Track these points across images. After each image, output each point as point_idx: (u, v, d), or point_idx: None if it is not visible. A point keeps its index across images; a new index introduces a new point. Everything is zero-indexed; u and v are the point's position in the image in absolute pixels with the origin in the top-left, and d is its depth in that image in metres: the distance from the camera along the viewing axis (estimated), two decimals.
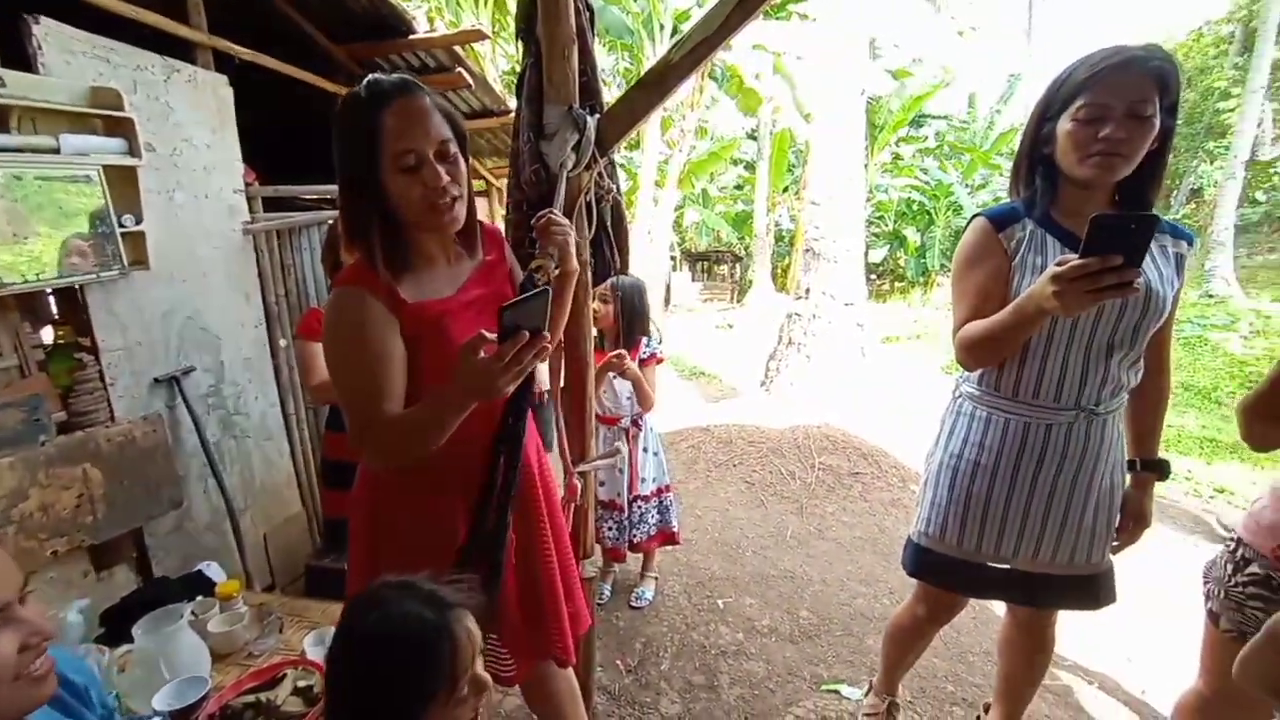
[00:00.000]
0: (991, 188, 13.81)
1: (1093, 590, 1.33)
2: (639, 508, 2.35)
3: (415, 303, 0.99)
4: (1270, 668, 1.02)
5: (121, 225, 1.79)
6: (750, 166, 14.76)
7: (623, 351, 2.14)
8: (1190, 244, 1.22)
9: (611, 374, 2.22)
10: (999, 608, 2.16)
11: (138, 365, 1.96)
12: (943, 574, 1.42)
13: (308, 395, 2.56)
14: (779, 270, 15.21)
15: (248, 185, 2.39)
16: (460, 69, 3.11)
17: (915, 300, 12.65)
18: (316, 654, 1.42)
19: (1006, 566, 1.34)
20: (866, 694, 1.83)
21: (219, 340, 2.25)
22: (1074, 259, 0.94)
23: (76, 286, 1.76)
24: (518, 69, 1.50)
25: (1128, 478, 1.33)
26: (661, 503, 2.42)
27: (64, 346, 1.82)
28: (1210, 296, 8.83)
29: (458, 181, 0.98)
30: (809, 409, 4.24)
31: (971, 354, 1.23)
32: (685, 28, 7.87)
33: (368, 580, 1.09)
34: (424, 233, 1.02)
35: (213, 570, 1.88)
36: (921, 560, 1.43)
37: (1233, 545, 1.18)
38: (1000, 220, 1.22)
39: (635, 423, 2.33)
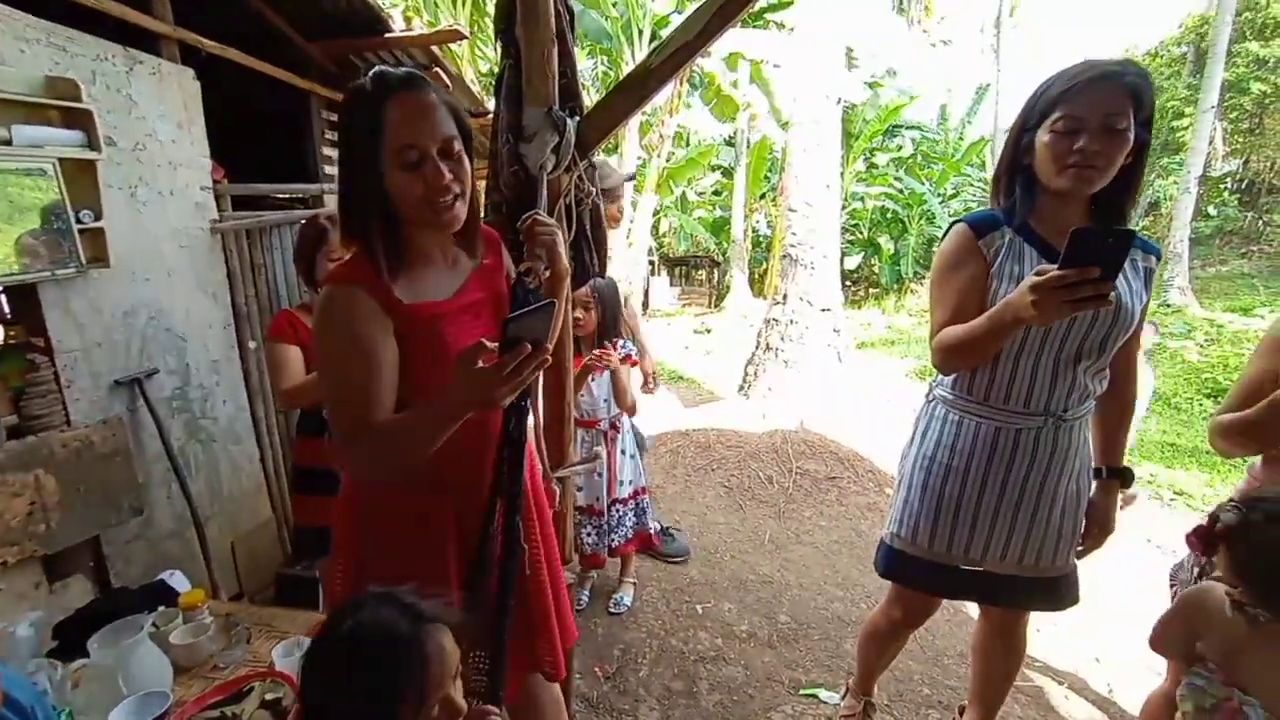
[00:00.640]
0: (963, 197, 14.17)
1: (1057, 592, 1.36)
2: (616, 511, 2.34)
3: (411, 304, 0.96)
4: (1180, 636, 1.12)
5: (79, 221, 1.72)
6: (728, 173, 14.90)
7: (604, 350, 2.12)
8: (1158, 258, 1.26)
9: (591, 376, 2.21)
10: (972, 610, 2.20)
11: (96, 367, 1.88)
12: (915, 575, 1.44)
13: (278, 399, 2.50)
14: (756, 275, 15.36)
15: (216, 183, 2.32)
16: (437, 69, 3.08)
17: (889, 307, 12.89)
18: (285, 665, 1.37)
19: (976, 568, 1.36)
20: (844, 697, 1.84)
21: (184, 342, 2.18)
22: (1053, 269, 0.96)
23: (29, 284, 1.68)
24: (496, 70, 1.48)
25: (1093, 484, 1.36)
26: (638, 505, 2.41)
27: (15, 347, 1.74)
28: (1168, 306, 9.17)
29: (460, 180, 0.95)
30: (787, 414, 4.27)
31: (948, 358, 1.25)
32: (664, 34, 7.92)
33: (352, 593, 1.06)
34: (423, 231, 0.99)
35: (176, 580, 1.81)
36: (894, 562, 1.45)
37: None
38: (981, 227, 1.24)
39: (614, 425, 2.32)
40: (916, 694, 1.98)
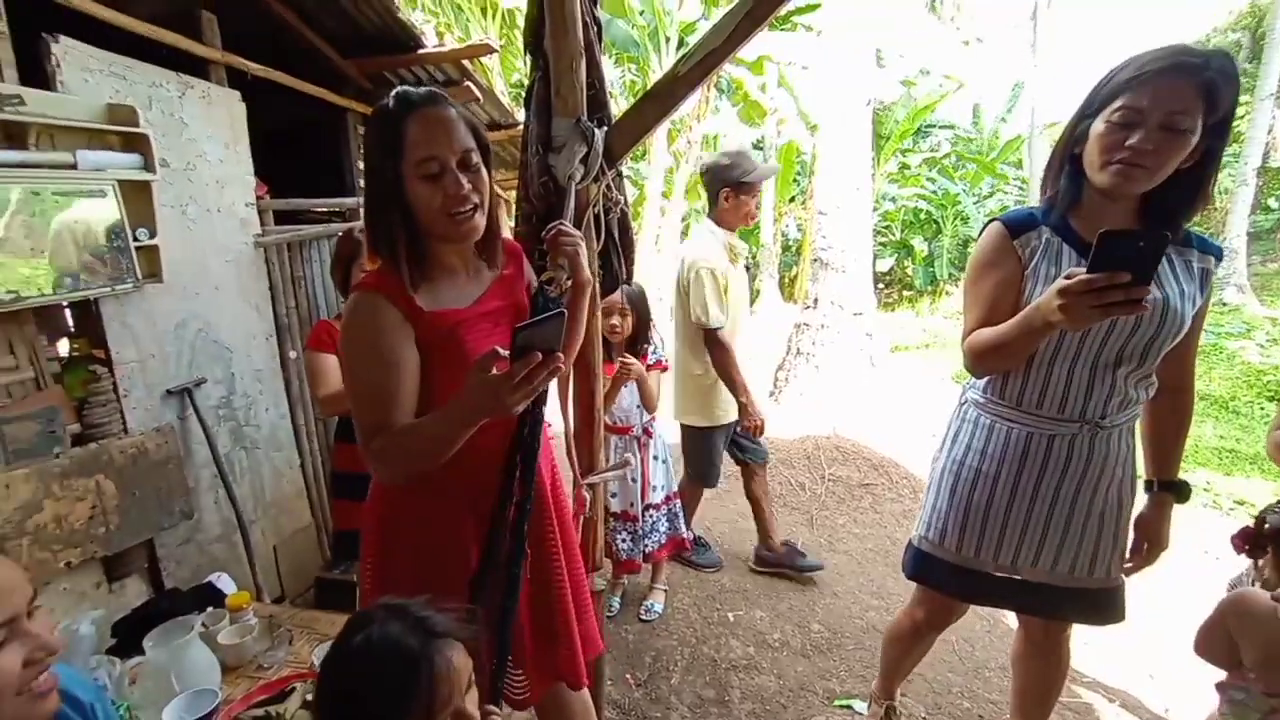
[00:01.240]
0: (998, 196, 13.78)
1: (1096, 605, 1.31)
2: (650, 516, 2.34)
3: (432, 311, 0.99)
4: (1223, 641, 1.07)
5: (136, 239, 1.81)
6: None
7: (626, 360, 2.13)
8: (1218, 259, 1.18)
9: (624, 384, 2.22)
10: (1013, 621, 2.12)
11: (150, 377, 1.98)
12: (942, 579, 1.41)
13: (317, 407, 2.58)
14: (786, 280, 15.20)
15: (259, 199, 2.42)
16: (468, 82, 3.15)
17: (924, 309, 12.59)
18: None
19: (1007, 575, 1.32)
20: (870, 704, 1.81)
21: (230, 352, 2.27)
22: (1081, 273, 0.92)
23: (91, 299, 1.78)
24: (526, 82, 1.51)
25: (1142, 495, 1.31)
26: (671, 510, 2.41)
27: (79, 359, 1.84)
28: (1224, 305, 8.73)
29: (479, 191, 0.98)
30: (818, 419, 4.21)
31: (979, 361, 1.22)
32: (691, 40, 7.94)
33: (379, 594, 1.09)
34: (444, 242, 1.02)
35: (223, 582, 1.88)
36: (921, 564, 1.43)
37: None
38: (1016, 226, 1.20)
39: (647, 431, 2.32)
40: (956, 707, 1.92)
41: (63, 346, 1.92)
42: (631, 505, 2.32)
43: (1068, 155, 1.16)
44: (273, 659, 1.48)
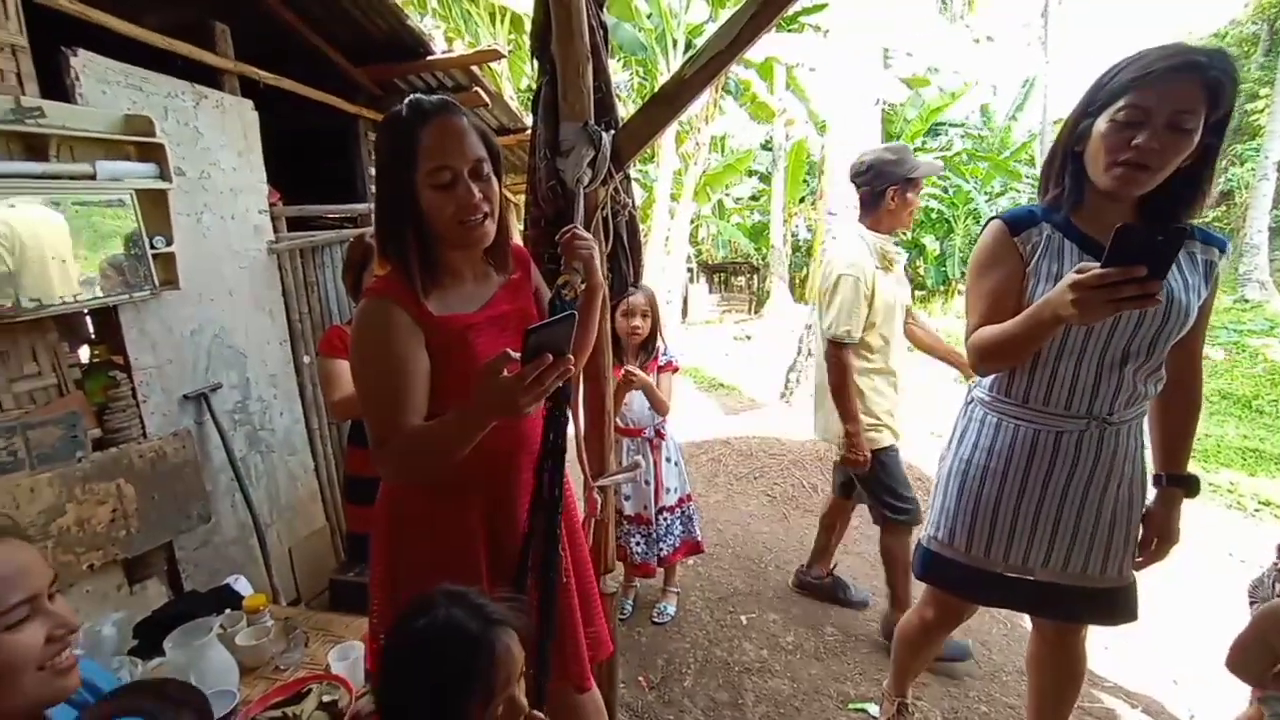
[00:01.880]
0: (1011, 194, 13.65)
1: (1108, 605, 1.29)
2: (664, 519, 2.34)
3: (441, 316, 1.01)
4: (1259, 656, 1.04)
5: (153, 246, 1.84)
6: (766, 178, 14.79)
7: (629, 368, 2.14)
8: (1222, 251, 1.17)
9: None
10: (1029, 623, 2.10)
11: (168, 383, 2.01)
12: (952, 579, 1.40)
13: (330, 411, 2.61)
14: (797, 281, 15.14)
15: (272, 205, 2.45)
16: (477, 88, 3.17)
17: (936, 309, 12.49)
18: (341, 668, 1.43)
19: (1018, 575, 1.31)
20: (881, 703, 1.80)
21: (245, 357, 2.30)
22: (1095, 267, 0.91)
23: (110, 307, 1.81)
24: (534, 86, 1.52)
25: (1151, 491, 1.29)
26: (685, 513, 2.41)
27: (99, 365, 1.88)
28: (1245, 301, 8.57)
29: (489, 199, 1.00)
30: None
31: (985, 359, 1.21)
32: (699, 42, 7.95)
33: (388, 596, 1.10)
34: (454, 248, 1.03)
35: (240, 584, 1.90)
36: (931, 565, 1.42)
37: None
38: (1016, 224, 1.20)
39: (659, 433, 2.32)
40: (974, 711, 1.89)
41: (83, 353, 1.95)
42: (645, 508, 2.32)
43: (1069, 154, 1.15)
44: (289, 660, 1.50)
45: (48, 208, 1.57)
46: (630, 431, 2.29)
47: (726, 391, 6.79)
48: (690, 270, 15.57)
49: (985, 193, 13.21)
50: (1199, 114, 1.00)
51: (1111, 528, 1.24)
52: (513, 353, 0.85)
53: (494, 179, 1.01)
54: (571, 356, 0.87)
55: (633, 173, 1.58)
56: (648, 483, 2.30)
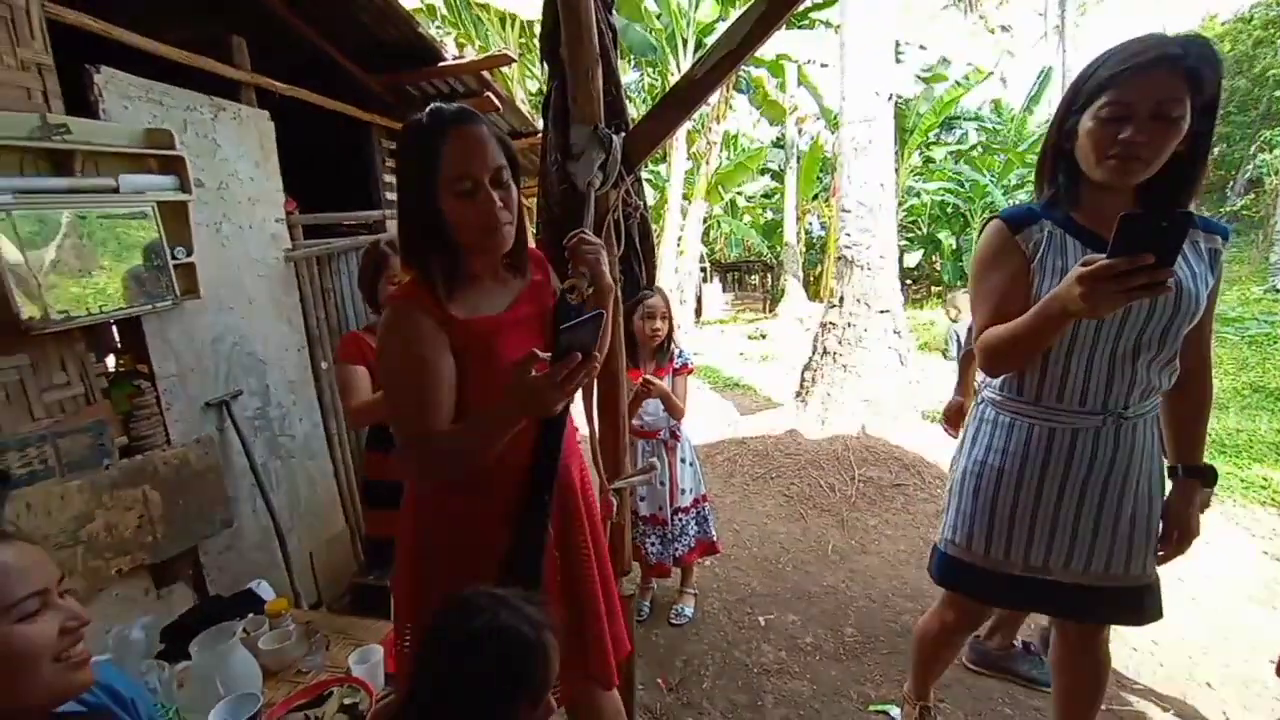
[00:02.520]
0: (1029, 187, 13.44)
1: (1132, 604, 1.27)
2: (679, 520, 2.34)
3: (465, 319, 1.02)
4: None
5: (174, 257, 1.88)
6: (778, 175, 14.71)
7: (646, 376, 2.14)
8: (1225, 238, 1.17)
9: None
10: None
11: (190, 390, 2.05)
12: (971, 583, 1.38)
13: (347, 418, 2.64)
14: (811, 278, 15.04)
15: (289, 214, 2.49)
16: (488, 93, 3.19)
17: None
18: (361, 671, 1.44)
19: (1040, 576, 1.28)
20: (903, 706, 1.77)
21: (264, 364, 2.34)
22: (1101, 259, 0.90)
23: (134, 316, 1.85)
24: (545, 89, 1.53)
25: (1168, 485, 1.27)
26: (699, 513, 2.40)
27: (124, 374, 1.92)
28: (1276, 291, 8.33)
29: (509, 207, 1.02)
30: (847, 419, 4.15)
31: (995, 359, 1.19)
32: (709, 41, 7.92)
33: (415, 600, 1.11)
34: (476, 254, 1.05)
35: (263, 588, 1.93)
36: (949, 569, 1.40)
37: None
38: (1016, 222, 1.18)
39: (674, 434, 2.32)
40: (998, 714, 1.86)
41: (109, 362, 2.00)
42: (660, 509, 2.32)
43: (1060, 153, 1.15)
44: (311, 664, 1.52)
45: (74, 221, 1.61)
46: (645, 433, 2.29)
47: (741, 391, 6.76)
48: (704, 269, 15.54)
49: (1002, 186, 13.01)
50: (1184, 102, 1.01)
51: (1132, 525, 1.22)
52: (540, 353, 0.87)
53: (513, 185, 1.03)
54: (598, 355, 0.88)
55: (645, 173, 1.58)
56: (663, 484, 2.30)
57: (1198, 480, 1.25)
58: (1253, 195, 12.89)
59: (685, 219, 10.07)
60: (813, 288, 14.35)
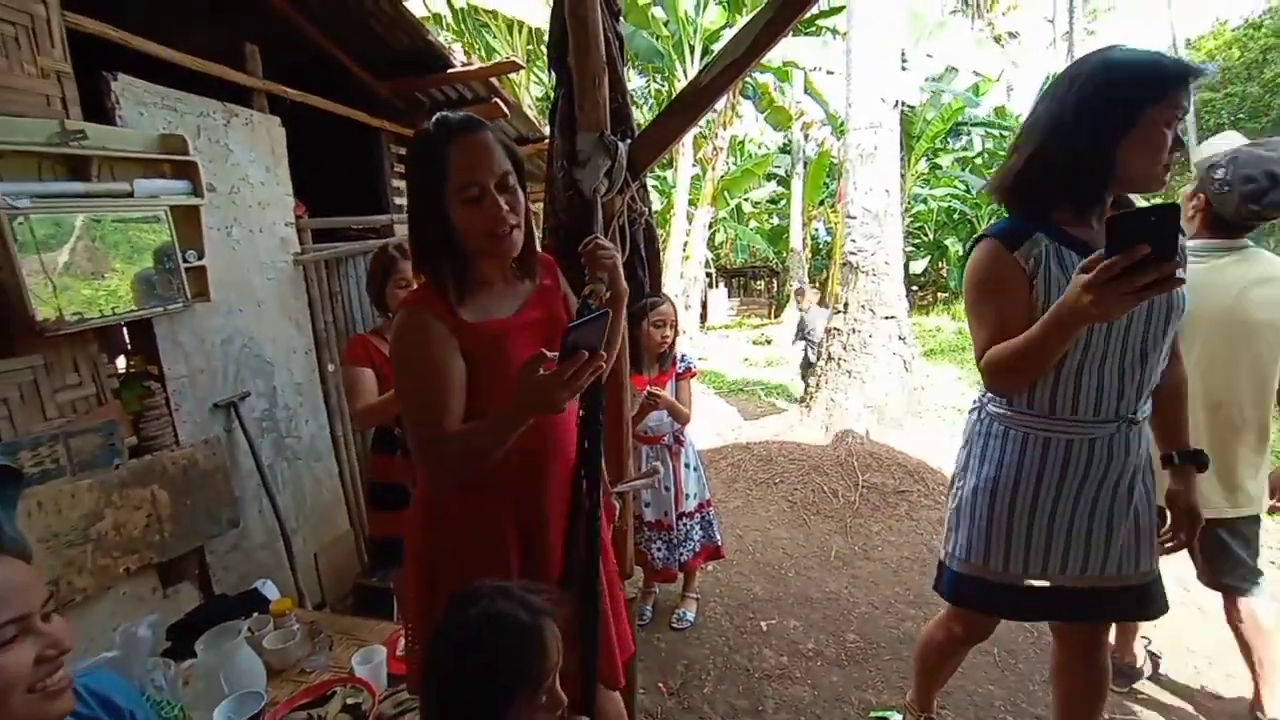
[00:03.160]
0: None
1: (1144, 599, 1.28)
2: (684, 525, 2.34)
3: (475, 323, 1.04)
4: None
5: (186, 260, 1.91)
6: (785, 181, 14.73)
7: (651, 389, 2.16)
8: (1183, 234, 1.20)
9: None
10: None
11: (199, 391, 2.07)
12: (988, 600, 1.36)
13: (353, 419, 2.66)
14: (816, 284, 15.01)
15: (298, 218, 2.52)
16: (496, 99, 3.22)
17: (959, 311, 12.28)
18: (364, 672, 1.45)
19: (1059, 584, 1.28)
20: (904, 715, 1.76)
21: (272, 366, 2.36)
22: (1099, 260, 0.89)
23: (146, 319, 1.88)
24: (551, 95, 1.54)
25: (1163, 476, 1.29)
26: (704, 518, 2.41)
27: (135, 375, 1.95)
28: None
29: (515, 211, 1.03)
30: (851, 425, 4.14)
31: (1003, 376, 1.17)
32: (716, 48, 7.96)
33: (423, 601, 1.13)
34: (485, 258, 1.07)
35: (268, 588, 1.95)
36: (962, 587, 1.37)
37: None
38: (1012, 239, 1.16)
39: (678, 439, 2.33)
40: None
41: (120, 363, 2.02)
42: (665, 514, 2.32)
43: (1095, 164, 1.11)
44: (314, 663, 1.53)
45: (89, 225, 1.64)
46: (650, 439, 2.30)
47: (746, 396, 6.76)
48: (709, 275, 15.56)
49: None
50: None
51: (1137, 522, 1.24)
52: (548, 353, 0.89)
53: (520, 190, 1.05)
54: (604, 353, 0.91)
55: (651, 178, 1.60)
56: (668, 489, 2.31)
57: (1193, 465, 1.27)
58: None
59: (691, 224, 10.09)
60: (819, 293, 14.33)
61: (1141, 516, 1.24)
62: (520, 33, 8.36)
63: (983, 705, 1.92)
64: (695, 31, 8.62)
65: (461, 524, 1.12)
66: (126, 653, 1.42)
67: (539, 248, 1.23)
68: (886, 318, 4.44)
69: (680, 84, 8.26)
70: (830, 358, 4.56)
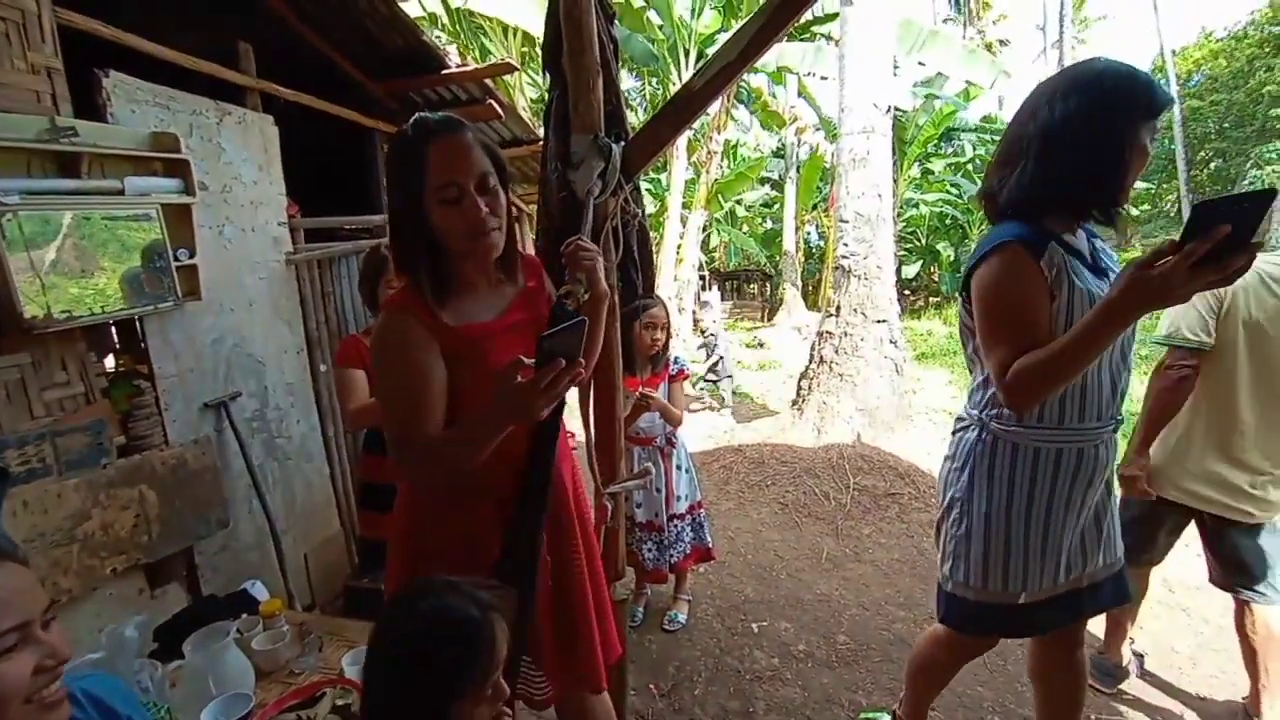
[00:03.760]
0: None
1: (1119, 585, 1.34)
2: (675, 526, 2.35)
3: (456, 326, 1.04)
4: None
5: (177, 259, 1.89)
6: (778, 185, 14.79)
7: (644, 391, 2.16)
8: (1099, 236, 1.26)
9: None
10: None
11: (189, 391, 2.06)
12: (1004, 624, 1.35)
13: (345, 421, 2.65)
14: (810, 287, 15.09)
15: (290, 218, 2.51)
16: (491, 100, 3.23)
17: (951, 316, 12.37)
18: (354, 673, 1.44)
19: (1072, 589, 1.30)
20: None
21: (263, 366, 2.35)
22: (1170, 250, 0.88)
23: (135, 317, 1.87)
24: (546, 97, 1.55)
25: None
26: (695, 519, 2.41)
27: (124, 374, 1.93)
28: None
29: (496, 213, 1.03)
30: (843, 428, 4.16)
31: (1036, 387, 1.10)
32: (710, 52, 7.98)
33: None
34: (465, 260, 1.06)
35: (257, 589, 1.94)
36: (971, 614, 1.34)
37: None
38: (1035, 246, 1.14)
39: (670, 441, 2.33)
40: None
41: (109, 362, 2.01)
42: (656, 515, 2.33)
43: (1114, 169, 1.11)
44: (304, 665, 1.52)
45: (78, 222, 1.63)
46: (641, 440, 2.30)
47: (738, 399, 6.76)
48: (703, 278, 15.57)
49: None
50: None
51: (1112, 515, 1.30)
52: (526, 359, 0.88)
53: (500, 191, 1.04)
54: (583, 361, 0.89)
55: (645, 181, 1.60)
56: (659, 490, 2.31)
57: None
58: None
59: (685, 227, 10.11)
60: (811, 297, 14.39)
61: (1113, 505, 1.31)
62: (515, 35, 8.36)
63: (971, 706, 1.93)
64: (690, 36, 8.65)
65: (445, 527, 1.11)
66: (113, 654, 1.40)
67: (530, 249, 1.23)
68: (878, 321, 4.47)
69: (674, 87, 8.29)
70: (822, 361, 4.58)
